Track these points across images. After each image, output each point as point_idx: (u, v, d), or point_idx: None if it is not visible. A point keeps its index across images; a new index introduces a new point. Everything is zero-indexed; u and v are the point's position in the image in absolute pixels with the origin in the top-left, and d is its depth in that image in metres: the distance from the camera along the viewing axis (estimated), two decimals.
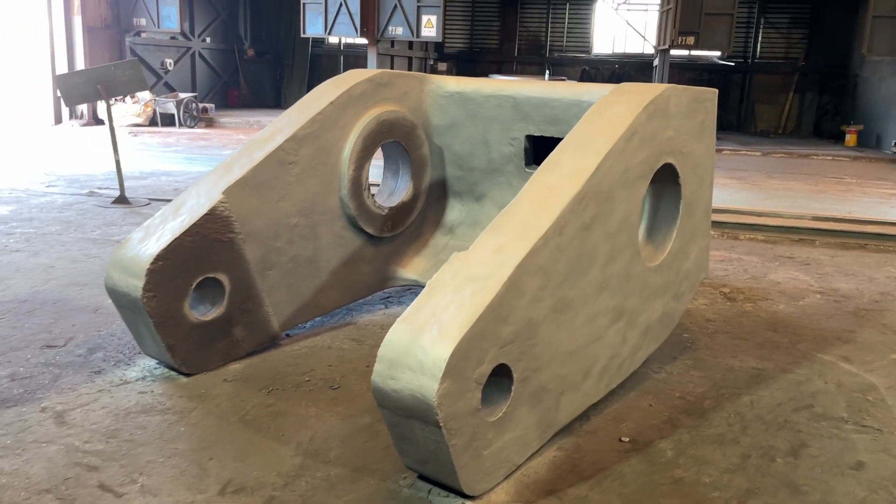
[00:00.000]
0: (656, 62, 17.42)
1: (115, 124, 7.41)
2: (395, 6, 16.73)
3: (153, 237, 3.46)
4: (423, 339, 2.49)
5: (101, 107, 17.27)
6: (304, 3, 17.20)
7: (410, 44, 20.21)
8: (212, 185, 3.68)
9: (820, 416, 3.46)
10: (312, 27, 17.29)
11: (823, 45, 21.37)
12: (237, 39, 23.48)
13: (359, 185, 4.25)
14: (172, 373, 3.62)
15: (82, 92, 7.34)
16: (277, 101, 23.68)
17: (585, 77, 23.03)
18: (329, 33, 17.26)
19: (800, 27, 22.07)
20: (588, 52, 23.49)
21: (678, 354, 4.16)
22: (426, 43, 21.73)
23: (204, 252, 3.54)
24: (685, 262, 3.88)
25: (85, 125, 17.77)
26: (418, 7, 16.61)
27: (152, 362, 3.72)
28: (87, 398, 3.33)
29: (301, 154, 3.94)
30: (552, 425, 3.03)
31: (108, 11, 18.61)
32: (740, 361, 4.09)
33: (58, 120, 17.52)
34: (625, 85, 3.55)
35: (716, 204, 8.70)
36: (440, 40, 17.35)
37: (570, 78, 22.53)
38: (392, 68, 18.68)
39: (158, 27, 18.49)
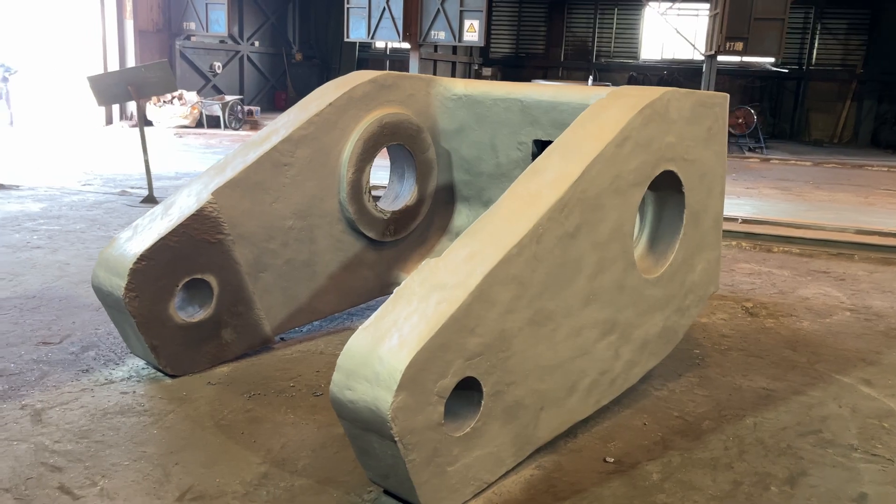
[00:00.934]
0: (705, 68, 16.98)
1: (162, 126, 7.50)
2: (438, 11, 16.69)
3: (139, 237, 3.44)
4: (380, 349, 2.39)
5: (150, 108, 17.67)
6: (348, 8, 17.29)
7: (454, 49, 20.14)
8: (202, 186, 3.65)
9: (827, 443, 3.24)
10: (356, 31, 17.37)
11: (883, 51, 20.58)
12: (285, 43, 23.79)
13: (358, 188, 4.18)
14: (159, 374, 3.59)
15: (114, 93, 7.46)
16: None
17: (632, 83, 22.62)
18: (372, 37, 17.31)
19: (858, 33, 21.31)
20: (636, 57, 23.09)
21: (684, 371, 3.96)
22: (471, 48, 21.62)
23: (191, 253, 3.50)
24: (690, 274, 3.70)
25: (133, 126, 18.17)
26: (461, 12, 16.54)
27: (141, 362, 3.70)
28: (69, 397, 3.31)
29: (297, 156, 3.89)
30: (530, 442, 2.89)
31: (159, 15, 19.03)
32: (750, 381, 3.88)
33: (108, 121, 17.96)
34: (623, 88, 3.40)
35: (751, 214, 8.41)
36: (482, 45, 17.25)
37: (617, 84, 22.18)
38: (434, 73, 18.68)
39: (207, 31, 18.82)
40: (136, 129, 17.36)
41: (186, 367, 3.60)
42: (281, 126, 3.92)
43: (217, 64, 20.74)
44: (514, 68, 23.30)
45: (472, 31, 16.60)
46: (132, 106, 18.13)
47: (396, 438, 2.33)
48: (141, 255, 3.33)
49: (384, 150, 4.38)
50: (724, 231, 7.41)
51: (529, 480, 2.82)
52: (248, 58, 22.00)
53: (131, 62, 17.86)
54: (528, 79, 20.13)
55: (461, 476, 2.60)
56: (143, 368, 3.65)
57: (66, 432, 3.00)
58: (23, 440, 2.93)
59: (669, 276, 3.54)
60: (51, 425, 3.05)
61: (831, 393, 3.79)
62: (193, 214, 3.49)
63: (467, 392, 2.63)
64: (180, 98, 17.84)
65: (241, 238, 3.71)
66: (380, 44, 24.20)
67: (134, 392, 3.40)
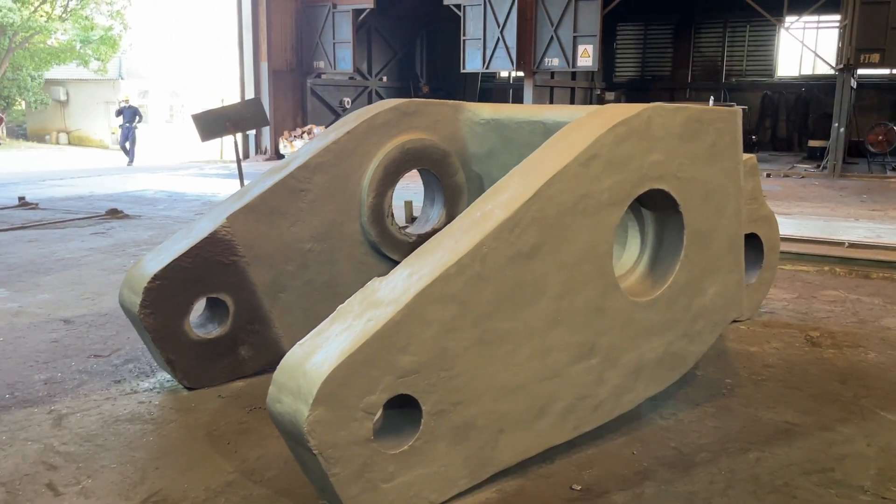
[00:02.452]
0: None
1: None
2: (552, 38, 16.71)
3: (159, 257, 3.73)
4: (306, 364, 2.48)
5: (282, 143, 18.84)
6: (464, 40, 17.69)
7: (573, 74, 20.03)
8: (222, 211, 3.90)
9: (834, 483, 2.97)
10: (472, 62, 17.72)
11: None
12: (413, 77, 24.62)
13: (380, 212, 4.31)
14: (179, 387, 3.85)
15: (214, 129, 8.07)
16: None
17: (767, 102, 21.51)
18: (487, 67, 17.58)
19: None
20: (770, 75, 21.94)
21: (704, 401, 3.75)
22: (592, 73, 21.42)
23: (205, 273, 3.75)
24: (697, 298, 3.51)
25: (267, 159, 19.44)
26: (574, 37, 16.48)
27: (167, 376, 3.99)
28: (93, 404, 3.64)
29: (314, 181, 4.07)
30: (489, 465, 2.86)
31: (292, 56, 20.32)
32: (774, 414, 3.61)
33: (245, 155, 19.31)
34: (606, 106, 3.32)
35: (862, 238, 7.75)
36: (595, 69, 17.06)
37: (749, 104, 21.17)
38: (551, 100, 18.66)
39: (335, 69, 19.86)
40: (269, 163, 18.54)
41: (203, 381, 3.84)
42: (301, 154, 4.13)
43: (346, 99, 21.79)
44: (639, 91, 22.81)
45: (586, 56, 16.48)
46: (266, 141, 19.42)
47: (315, 452, 2.40)
48: (155, 275, 3.61)
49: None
50: (822, 256, 6.94)
51: (483, 503, 2.79)
52: (377, 92, 22.94)
53: (266, 100, 19.16)
54: (653, 102, 19.65)
55: (400, 494, 2.62)
56: (167, 381, 3.93)
57: (75, 436, 3.30)
58: (36, 440, 3.25)
59: (669, 300, 3.39)
60: (66, 429, 3.37)
61: (865, 430, 3.45)
62: (207, 238, 3.74)
63: (409, 410, 2.66)
64: (309, 133, 18.91)
65: (257, 260, 3.93)
66: (503, 73, 24.50)
67: (150, 402, 3.67)
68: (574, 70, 17.24)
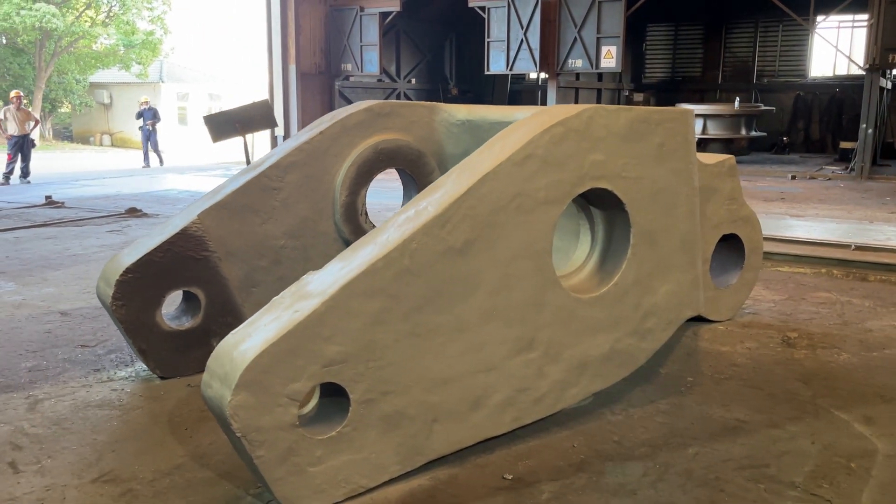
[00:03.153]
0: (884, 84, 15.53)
1: None
2: (575, 39, 16.70)
3: (134, 252, 3.91)
4: (234, 352, 2.61)
5: None
6: (488, 42, 17.76)
7: (600, 76, 19.97)
8: (196, 208, 4.07)
9: (766, 478, 3.00)
10: (496, 64, 17.78)
11: None
12: (442, 79, 24.75)
13: (353, 210, 4.44)
14: (154, 376, 4.03)
15: (224, 130, 8.31)
16: None
17: (799, 103, 21.15)
18: (511, 69, 17.63)
19: None
20: (803, 76, 21.56)
21: (659, 398, 3.80)
22: (619, 74, 21.32)
23: (176, 267, 3.92)
24: (648, 296, 3.57)
25: None
26: (598, 39, 16.44)
27: (145, 365, 4.17)
28: (69, 391, 3.83)
29: (287, 180, 4.22)
30: (421, 453, 2.96)
31: (321, 59, 20.61)
32: (726, 411, 3.64)
33: None
34: (548, 107, 3.40)
35: (858, 241, 7.62)
36: (619, 70, 16.99)
37: (782, 105, 20.85)
38: (576, 101, 18.65)
39: (362, 71, 20.09)
40: None
41: (176, 371, 4.01)
42: (274, 153, 4.28)
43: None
44: (669, 93, 22.61)
45: (610, 58, 16.42)
46: None
47: (238, 434, 2.53)
48: (127, 269, 3.79)
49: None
50: (821, 258, 6.88)
51: (413, 490, 2.89)
52: (405, 94, 23.12)
53: (294, 102, 19.49)
54: (683, 103, 19.43)
55: (328, 478, 2.74)
56: (143, 371, 4.11)
57: (46, 419, 3.49)
58: (8, 423, 3.45)
59: (616, 297, 3.45)
60: (38, 413, 3.56)
61: (813, 428, 3.47)
62: (178, 233, 3.91)
63: (340, 398, 2.77)
64: None
65: (229, 255, 4.09)
66: (532, 75, 24.49)
67: (122, 390, 3.86)
68: (597, 71, 17.19)
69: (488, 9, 17.60)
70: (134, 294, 3.83)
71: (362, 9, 19.67)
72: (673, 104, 18.51)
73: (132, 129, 35.42)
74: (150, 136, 19.80)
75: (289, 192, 4.24)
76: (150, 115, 19.83)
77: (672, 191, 3.56)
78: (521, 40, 17.13)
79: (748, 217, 5.14)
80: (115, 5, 33.47)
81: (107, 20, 33.96)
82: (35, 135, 15.00)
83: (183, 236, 3.93)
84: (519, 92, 24.82)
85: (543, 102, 20.25)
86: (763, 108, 18.00)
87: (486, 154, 3.09)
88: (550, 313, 3.23)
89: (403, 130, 4.60)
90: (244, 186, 4.11)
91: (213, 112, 8.28)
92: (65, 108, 37.97)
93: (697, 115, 17.13)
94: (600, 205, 3.49)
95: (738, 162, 16.81)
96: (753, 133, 17.43)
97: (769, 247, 7.31)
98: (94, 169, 19.04)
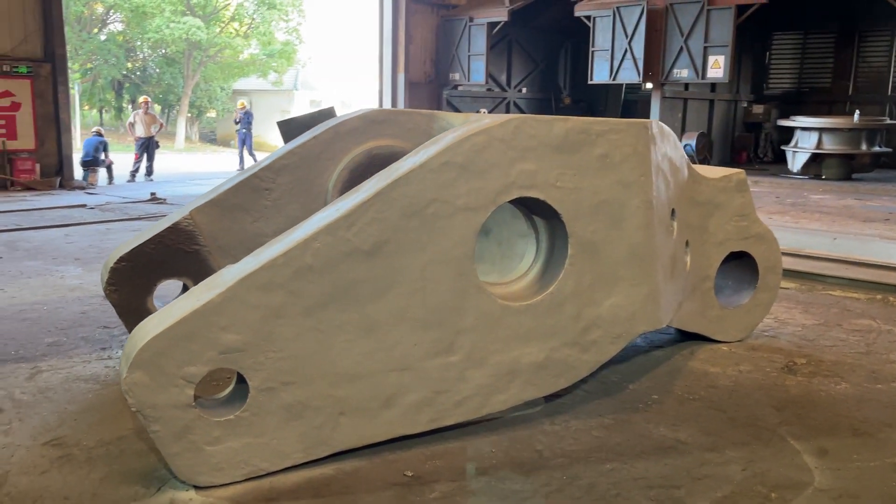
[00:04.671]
0: None
1: None
2: (681, 48, 16.20)
3: (132, 242, 4.29)
4: (139, 333, 2.86)
5: None
6: (592, 51, 17.57)
7: (713, 86, 19.20)
8: (191, 204, 4.41)
9: (670, 500, 2.91)
10: (599, 74, 17.56)
11: None
12: (555, 89, 24.64)
13: None
14: None
15: (294, 134, 8.74)
16: None
17: None
18: (614, 79, 17.34)
19: None
20: None
21: (610, 412, 3.74)
22: (737, 84, 20.42)
23: (167, 258, 4.27)
24: (589, 308, 3.52)
25: None
26: (705, 48, 15.87)
27: None
28: (69, 365, 4.25)
29: (278, 182, 4.48)
30: (327, 444, 3.10)
31: (431, 69, 21.12)
32: (671, 431, 3.53)
33: None
34: (481, 116, 3.44)
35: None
36: (726, 81, 16.28)
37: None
38: (684, 112, 18.06)
39: (468, 80, 20.40)
40: None
41: None
42: (268, 157, 4.55)
43: (483, 110, 22.23)
44: (794, 105, 21.37)
45: (717, 67, 15.81)
46: None
47: (134, 409, 2.77)
48: (121, 257, 4.17)
49: None
50: (879, 283, 6.39)
51: (312, 477, 3.03)
52: (515, 103, 23.21)
53: (401, 107, 20.05)
54: (810, 116, 18.35)
55: (226, 457, 2.93)
56: None
57: (36, 388, 3.91)
58: (4, 389, 3.89)
59: (551, 307, 3.44)
60: (33, 382, 3.99)
61: (755, 455, 3.31)
62: (170, 227, 4.25)
63: (245, 385, 2.96)
64: None
65: (220, 250, 4.39)
66: (649, 85, 23.89)
67: (114, 367, 4.24)
68: (703, 81, 16.57)
69: (593, 18, 17.43)
70: (126, 281, 4.20)
71: (471, 19, 19.98)
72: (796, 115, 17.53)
73: (267, 134, 37.57)
74: (245, 140, 20.32)
75: (280, 192, 4.50)
76: (246, 121, 20.10)
77: (618, 203, 3.50)
78: (626, 49, 16.83)
79: (762, 234, 4.91)
80: (255, 17, 35.64)
81: (248, 31, 36.22)
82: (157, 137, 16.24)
83: (174, 230, 4.26)
84: (634, 102, 24.27)
85: (664, 111, 19.74)
86: (888, 122, 16.67)
87: (409, 160, 3.20)
88: (473, 318, 3.28)
89: (399, 137, 4.75)
90: (236, 186, 4.40)
91: (285, 118, 8.76)
92: (210, 114, 40.81)
93: (812, 129, 16.13)
94: (540, 214, 3.50)
95: (856, 179, 15.88)
96: (877, 149, 16.17)
97: (819, 268, 6.88)
98: (219, 170, 20.38)
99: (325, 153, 4.57)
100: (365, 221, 3.02)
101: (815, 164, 16.30)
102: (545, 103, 24.25)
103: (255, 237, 4.44)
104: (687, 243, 4.44)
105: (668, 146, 3.98)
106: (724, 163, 19.95)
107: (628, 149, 3.49)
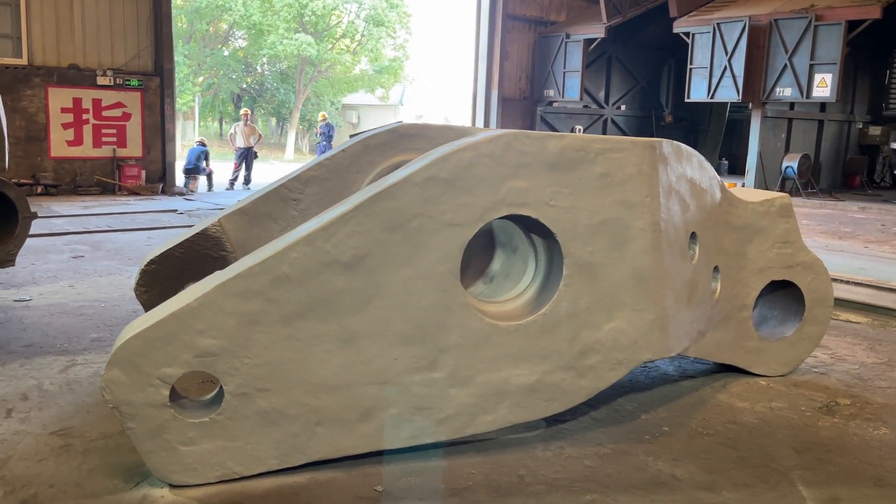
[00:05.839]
0: None
1: None
2: (785, 66, 15.46)
3: (162, 247, 4.49)
4: (124, 333, 2.98)
5: None
6: (690, 69, 17.04)
7: (823, 106, 18.18)
8: (221, 214, 4.57)
9: None
10: (697, 92, 17.01)
11: None
12: (656, 106, 24.04)
13: None
14: None
15: None
16: None
17: None
18: (712, 97, 16.74)
19: None
20: None
21: (611, 441, 3.58)
22: (851, 104, 19.26)
23: (195, 263, 4.43)
24: (586, 331, 3.39)
25: None
26: (811, 66, 15.08)
27: None
28: (102, 359, 4.48)
29: (306, 192, 4.58)
30: (302, 452, 3.12)
31: (526, 85, 21.07)
32: (670, 467, 3.35)
33: None
34: (482, 130, 3.39)
35: None
36: (834, 100, 15.36)
37: None
38: (788, 132, 17.21)
39: (563, 97, 20.22)
40: None
41: None
42: (297, 169, 4.67)
43: (578, 127, 21.98)
44: None
45: (824, 87, 14.99)
46: None
47: (111, 406, 2.89)
48: (151, 260, 4.37)
49: None
50: None
51: (283, 485, 3.06)
52: (613, 120, 22.81)
53: (493, 125, 20.09)
54: None
55: (200, 458, 3.00)
56: None
57: (64, 380, 4.14)
58: (36, 378, 4.14)
59: (544, 328, 3.34)
60: (64, 374, 4.23)
61: (755, 499, 3.08)
62: (198, 233, 4.42)
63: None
64: None
65: None
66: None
67: None
68: (808, 101, 15.72)
69: (693, 34, 16.92)
70: (155, 282, 4.39)
71: (568, 35, 19.82)
72: None
73: None
74: (324, 153, 20.60)
75: (308, 203, 4.59)
76: (327, 133, 19.77)
77: (621, 224, 3.36)
78: (725, 67, 16.24)
79: (809, 263, 4.59)
80: (363, 34, 36.70)
81: (356, 48, 37.34)
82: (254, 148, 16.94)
83: (203, 236, 4.43)
84: (739, 121, 23.34)
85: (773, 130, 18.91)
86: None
87: (397, 173, 3.19)
88: (458, 336, 3.23)
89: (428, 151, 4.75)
90: (264, 196, 4.53)
91: (357, 132, 8.97)
92: None
93: None
94: (537, 233, 3.41)
95: None
96: None
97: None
98: None
99: (353, 166, 4.64)
100: (345, 233, 3.04)
101: None
102: (645, 121, 23.70)
103: None
104: (716, 269, 4.21)
105: (689, 167, 3.80)
106: (834, 187, 18.86)
107: (632, 168, 3.36)
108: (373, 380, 3.15)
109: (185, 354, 2.93)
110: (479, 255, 4.93)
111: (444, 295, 3.18)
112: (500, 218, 3.24)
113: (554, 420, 3.76)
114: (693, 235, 3.88)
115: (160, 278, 4.40)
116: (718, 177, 4.25)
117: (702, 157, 4.01)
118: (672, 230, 3.58)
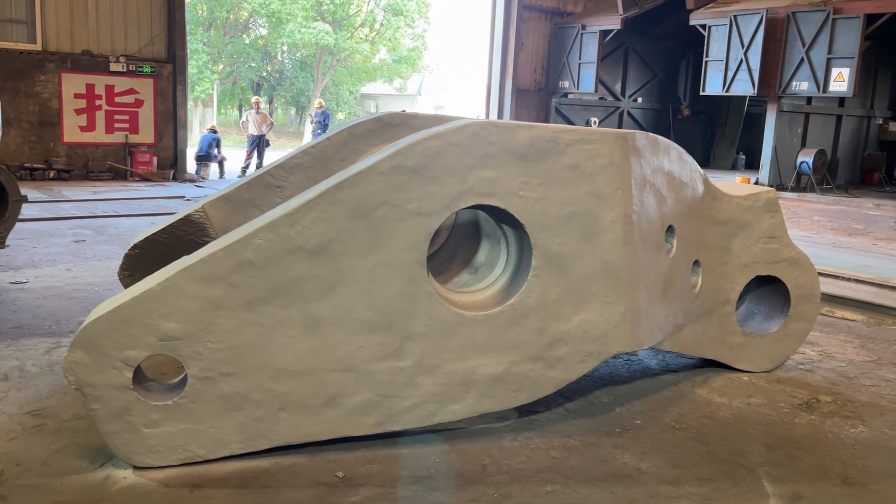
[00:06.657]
0: None
1: None
2: (802, 59, 15.24)
3: (146, 232, 4.53)
4: (90, 316, 3.01)
5: None
6: (705, 62, 16.86)
7: (841, 101, 17.91)
8: (205, 200, 4.60)
9: None
10: (712, 85, 16.82)
11: None
12: (673, 99, 23.81)
13: None
14: None
15: None
16: (706, 159, 23.27)
17: None
18: (727, 91, 16.55)
19: None
20: None
21: (581, 434, 3.57)
22: (871, 99, 18.95)
23: (179, 248, 4.46)
24: (555, 323, 3.38)
25: None
26: (828, 60, 14.85)
27: None
28: None
29: (290, 180, 4.60)
30: (266, 437, 3.14)
31: (542, 76, 20.96)
32: (636, 460, 3.33)
33: None
34: (449, 117, 3.38)
35: None
36: (851, 95, 15.13)
37: None
38: (805, 127, 16.98)
39: (578, 89, 20.09)
40: None
41: None
42: (282, 157, 4.68)
43: (594, 119, 21.84)
44: None
45: (841, 81, 14.76)
46: None
47: (74, 387, 2.92)
48: (135, 245, 4.42)
49: None
50: None
51: (246, 469, 3.08)
52: (629, 113, 22.63)
53: (507, 117, 20.02)
54: None
55: (163, 441, 3.03)
56: None
57: (47, 361, 4.20)
58: (19, 360, 4.21)
59: (512, 319, 3.33)
60: (48, 356, 4.29)
61: (716, 493, 3.07)
62: (182, 219, 4.45)
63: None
64: None
65: None
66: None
67: None
68: (824, 95, 15.49)
69: (709, 26, 16.73)
70: (138, 267, 4.44)
71: (584, 27, 19.68)
72: None
73: None
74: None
75: (291, 190, 4.61)
76: (323, 122, 18.72)
77: (591, 215, 3.34)
78: (741, 60, 16.05)
79: (795, 259, 4.54)
80: (382, 23, 36.69)
81: (375, 37, 37.34)
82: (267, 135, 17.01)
83: (186, 222, 4.46)
84: (758, 115, 23.03)
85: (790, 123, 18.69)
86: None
87: (363, 162, 3.19)
88: (424, 325, 3.23)
89: None
90: (249, 183, 4.56)
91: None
92: (339, 115, 42.39)
93: None
94: (507, 223, 3.40)
95: None
96: None
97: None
98: None
99: (338, 154, 4.64)
100: (309, 221, 3.04)
101: None
102: (662, 114, 23.50)
103: None
104: (697, 263, 4.17)
105: (667, 159, 3.77)
106: (852, 184, 18.60)
107: (603, 160, 3.33)
108: (337, 366, 3.17)
109: (148, 337, 2.95)
110: (465, 245, 4.93)
111: (410, 283, 3.19)
112: (468, 207, 3.23)
113: (526, 411, 3.76)
114: (671, 229, 3.85)
115: (144, 262, 4.44)
116: (701, 170, 4.21)
117: (682, 150, 3.98)
118: (646, 223, 3.56)
